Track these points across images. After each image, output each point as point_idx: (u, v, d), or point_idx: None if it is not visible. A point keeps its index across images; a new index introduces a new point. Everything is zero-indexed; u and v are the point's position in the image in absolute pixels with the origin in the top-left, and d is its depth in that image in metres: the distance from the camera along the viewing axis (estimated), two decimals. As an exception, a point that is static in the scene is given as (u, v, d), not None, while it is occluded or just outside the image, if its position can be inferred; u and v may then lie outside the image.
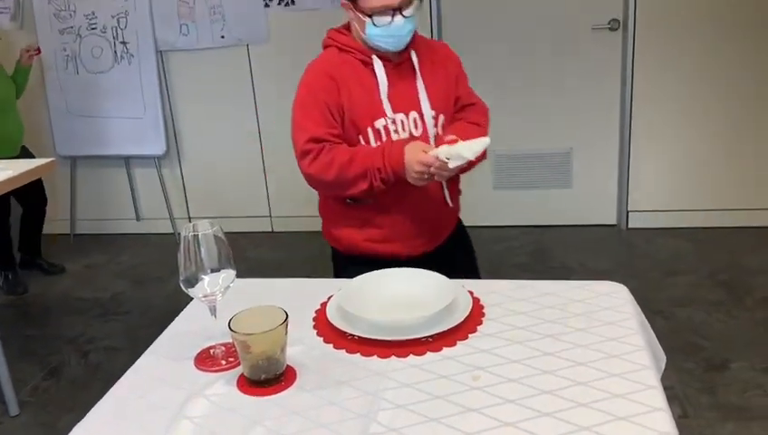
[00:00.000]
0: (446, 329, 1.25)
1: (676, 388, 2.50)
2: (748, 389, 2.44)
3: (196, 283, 1.18)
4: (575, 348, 1.21)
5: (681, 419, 2.36)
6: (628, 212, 3.94)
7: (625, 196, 3.91)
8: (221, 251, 1.20)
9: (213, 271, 1.19)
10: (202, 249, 1.18)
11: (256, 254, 4.00)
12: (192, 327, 1.36)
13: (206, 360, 1.24)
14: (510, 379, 1.12)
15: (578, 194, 4.00)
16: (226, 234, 1.22)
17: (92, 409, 1.13)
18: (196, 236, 1.17)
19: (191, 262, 1.17)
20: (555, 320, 1.30)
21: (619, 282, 1.46)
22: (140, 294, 3.67)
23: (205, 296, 1.20)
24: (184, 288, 1.19)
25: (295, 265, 3.82)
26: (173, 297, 3.51)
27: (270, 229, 4.31)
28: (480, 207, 3.88)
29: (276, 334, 1.12)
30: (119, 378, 1.24)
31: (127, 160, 4.30)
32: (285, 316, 1.14)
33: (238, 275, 1.25)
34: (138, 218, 4.45)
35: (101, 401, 1.15)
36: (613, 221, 4.02)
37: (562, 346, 1.22)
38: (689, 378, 2.55)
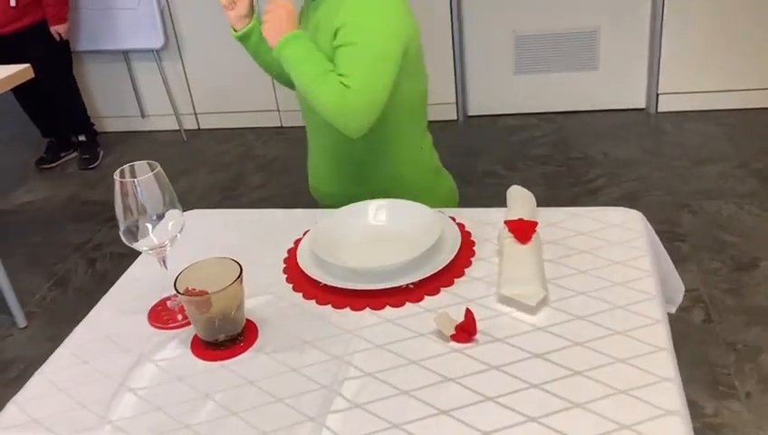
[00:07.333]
0: (428, 275, 1.09)
1: (700, 290, 2.36)
2: (778, 291, 2.29)
3: (138, 232, 1.04)
4: (579, 295, 1.05)
5: (704, 323, 2.24)
6: (657, 95, 3.67)
7: (655, 77, 3.63)
8: (164, 193, 1.04)
9: (158, 217, 1.04)
10: (143, 193, 1.02)
11: (264, 150, 3.83)
12: (150, 272, 1.21)
13: (161, 314, 1.11)
14: (497, 338, 0.98)
15: (605, 76, 3.72)
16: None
17: (29, 381, 1.02)
18: (133, 181, 1.01)
19: (131, 210, 1.02)
20: (557, 259, 1.14)
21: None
22: (147, 196, 3.58)
23: (152, 249, 1.05)
24: (126, 241, 1.04)
25: (304, 163, 3.66)
26: (181, 198, 3.41)
27: (279, 124, 4.12)
28: (498, 94, 3.64)
29: (229, 293, 0.98)
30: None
31: (125, 55, 4.08)
32: (239, 271, 0.99)
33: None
34: (142, 115, 4.29)
35: (41, 368, 1.04)
36: (642, 105, 3.75)
37: (564, 292, 1.06)
38: (715, 279, 2.41)
